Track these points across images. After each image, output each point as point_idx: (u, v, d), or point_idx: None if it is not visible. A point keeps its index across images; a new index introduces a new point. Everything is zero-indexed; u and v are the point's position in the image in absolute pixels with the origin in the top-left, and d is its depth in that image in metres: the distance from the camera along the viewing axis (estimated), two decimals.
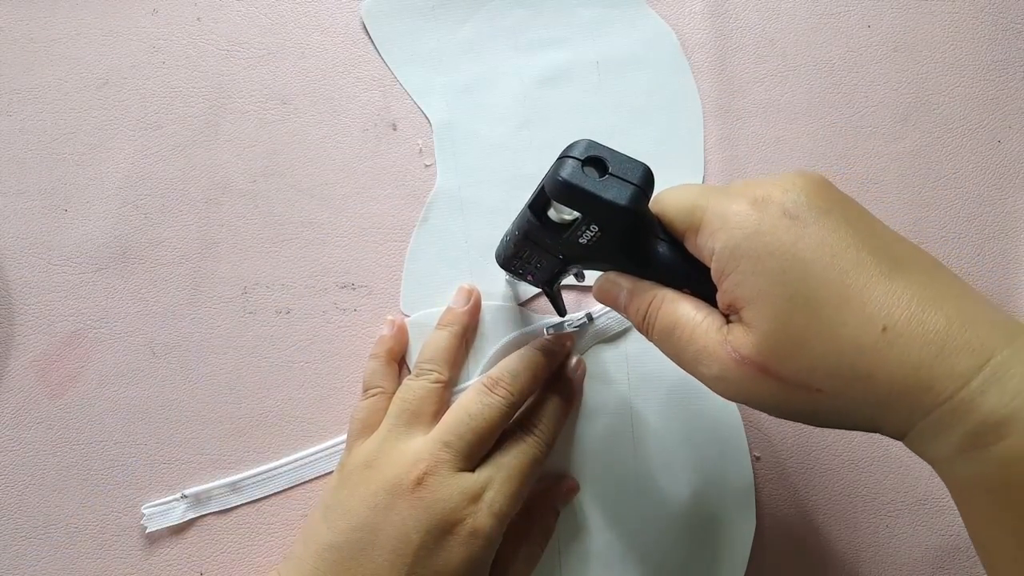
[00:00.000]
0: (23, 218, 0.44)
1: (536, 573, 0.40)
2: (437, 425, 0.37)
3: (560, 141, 0.45)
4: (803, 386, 0.26)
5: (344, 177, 0.45)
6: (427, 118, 0.45)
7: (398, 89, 0.46)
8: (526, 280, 0.38)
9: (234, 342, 0.43)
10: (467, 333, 0.42)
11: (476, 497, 0.35)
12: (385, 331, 0.42)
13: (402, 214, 0.44)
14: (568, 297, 0.43)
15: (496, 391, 0.37)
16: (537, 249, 0.34)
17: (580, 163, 0.29)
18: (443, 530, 0.34)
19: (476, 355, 0.42)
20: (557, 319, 0.42)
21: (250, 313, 0.43)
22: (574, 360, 0.41)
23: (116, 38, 0.46)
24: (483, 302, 0.43)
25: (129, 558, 0.41)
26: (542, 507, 0.39)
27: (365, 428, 0.38)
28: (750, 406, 0.28)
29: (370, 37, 0.46)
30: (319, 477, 0.42)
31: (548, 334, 0.41)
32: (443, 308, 0.42)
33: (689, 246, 0.30)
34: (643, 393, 0.42)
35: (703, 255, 0.29)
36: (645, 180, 0.29)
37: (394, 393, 0.39)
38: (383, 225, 0.44)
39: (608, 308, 0.42)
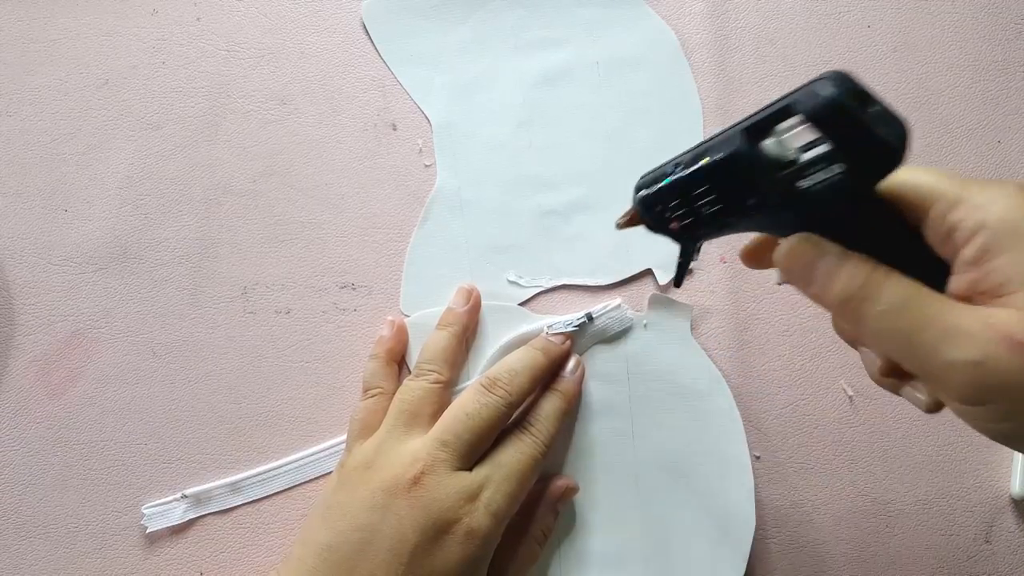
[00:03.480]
0: (23, 218, 0.44)
1: (535, 573, 0.40)
2: (435, 425, 0.37)
3: (560, 141, 0.45)
4: None
5: (344, 177, 0.45)
6: (427, 118, 0.45)
7: (398, 89, 0.46)
8: (666, 228, 0.31)
9: (234, 342, 0.43)
10: (467, 333, 0.41)
11: (473, 496, 0.35)
12: (385, 331, 0.42)
13: (402, 214, 0.44)
14: (569, 297, 0.43)
15: (494, 391, 0.37)
16: (719, 187, 0.28)
17: (845, 90, 0.24)
18: (439, 530, 0.34)
19: (476, 355, 0.42)
20: (556, 318, 0.42)
21: (250, 313, 0.43)
22: (573, 361, 0.41)
23: (116, 38, 0.46)
24: (483, 302, 0.43)
25: (129, 558, 0.41)
26: (541, 507, 0.39)
27: (365, 429, 0.38)
28: (998, 403, 0.24)
29: (370, 37, 0.46)
30: (319, 477, 0.42)
31: (547, 334, 0.41)
32: (443, 308, 0.42)
33: (932, 219, 0.26)
34: (643, 393, 0.42)
35: (956, 232, 0.25)
36: (905, 133, 0.24)
37: (394, 393, 0.39)
38: (383, 225, 0.44)
39: (607, 308, 0.42)
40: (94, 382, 0.42)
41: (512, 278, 0.43)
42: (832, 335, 0.43)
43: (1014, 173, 0.45)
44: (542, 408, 0.39)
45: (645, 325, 0.42)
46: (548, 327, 0.41)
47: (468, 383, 0.41)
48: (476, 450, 0.36)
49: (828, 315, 0.43)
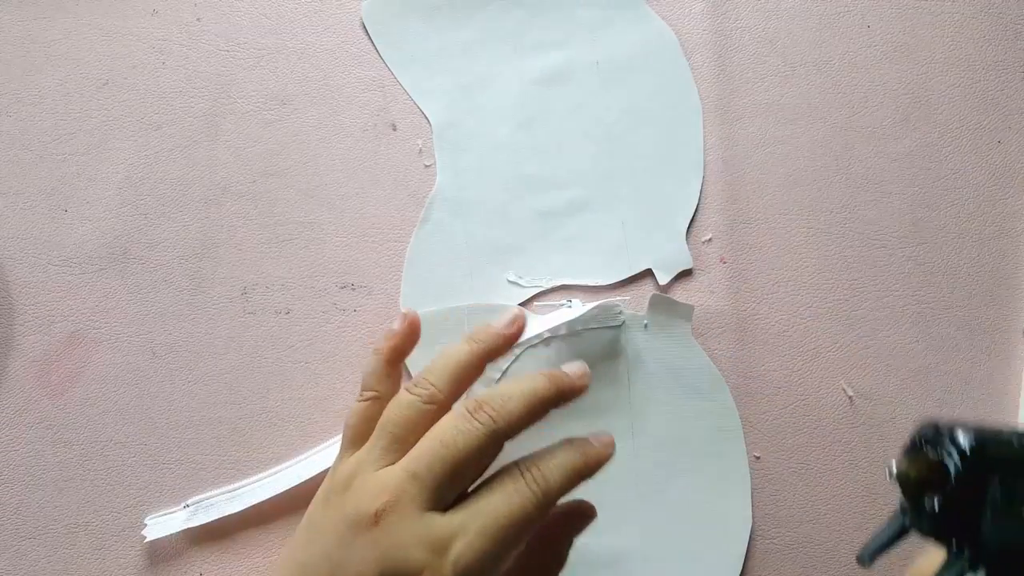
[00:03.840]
0: (23, 218, 0.44)
1: None
2: (409, 452, 0.31)
3: (560, 141, 0.45)
4: None
5: (344, 177, 0.45)
6: (427, 118, 0.45)
7: (398, 89, 0.46)
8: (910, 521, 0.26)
9: (234, 342, 0.43)
10: (491, 358, 0.34)
11: (440, 548, 0.29)
12: (395, 325, 0.35)
13: (402, 214, 0.44)
14: (569, 297, 0.43)
15: (477, 415, 0.31)
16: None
17: None
18: None
19: None
20: (555, 317, 0.42)
21: (250, 313, 0.43)
22: (608, 436, 0.34)
23: (116, 38, 0.46)
24: (483, 302, 0.43)
25: (129, 558, 0.41)
26: (555, 535, 0.34)
27: (357, 437, 0.34)
28: None
29: (370, 37, 0.46)
30: (319, 474, 0.41)
31: (536, 306, 0.41)
32: (443, 308, 0.42)
33: None
34: (643, 393, 0.42)
35: None
36: None
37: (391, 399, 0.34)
38: (383, 225, 0.44)
39: (599, 303, 0.42)
40: (94, 382, 0.42)
41: (512, 278, 0.43)
42: (832, 335, 0.43)
43: (1014, 173, 0.45)
44: (554, 456, 0.31)
45: (645, 325, 0.42)
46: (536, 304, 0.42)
47: None
48: (452, 487, 0.30)
49: (827, 315, 0.43)
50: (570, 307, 0.42)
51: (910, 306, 0.43)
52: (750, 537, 0.41)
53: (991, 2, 0.47)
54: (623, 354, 0.42)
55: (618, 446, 0.41)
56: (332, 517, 0.31)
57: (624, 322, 0.42)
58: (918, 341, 0.43)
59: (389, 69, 0.46)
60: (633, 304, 0.43)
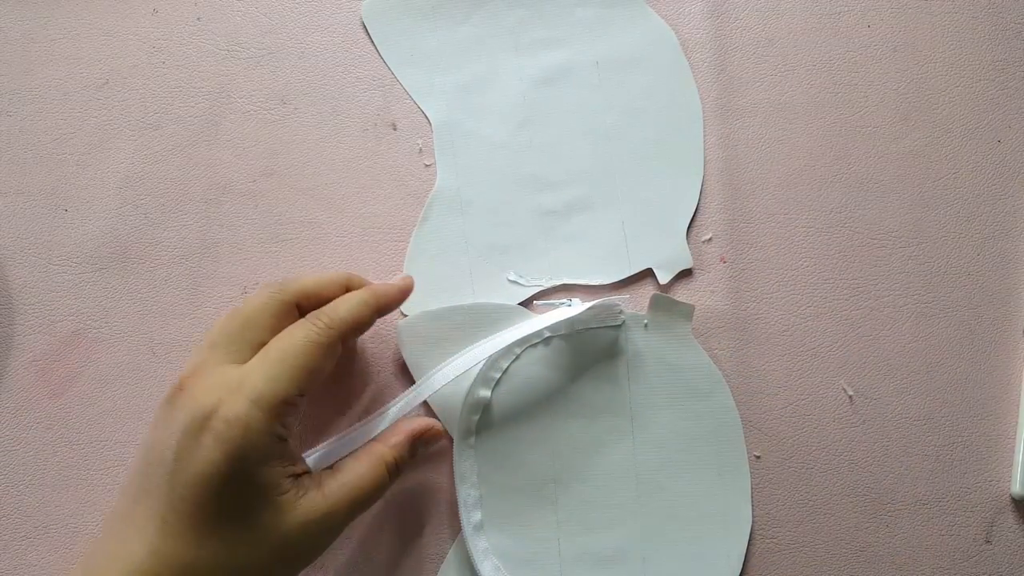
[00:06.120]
0: (23, 218, 0.44)
1: (536, 571, 0.40)
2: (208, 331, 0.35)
3: (560, 141, 0.45)
4: None
5: (344, 177, 0.45)
6: (427, 118, 0.45)
7: (398, 89, 0.46)
8: None
9: None
10: (384, 312, 0.38)
11: (236, 387, 0.32)
12: (394, 280, 0.40)
13: (402, 214, 0.44)
14: (569, 296, 0.43)
15: (316, 321, 0.34)
16: None
17: None
18: (199, 427, 0.31)
19: (474, 356, 0.42)
20: (555, 316, 0.42)
21: None
22: (402, 277, 0.40)
23: (116, 38, 0.46)
24: (483, 301, 0.43)
25: None
26: (395, 432, 0.37)
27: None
28: None
29: (370, 37, 0.46)
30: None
31: (537, 305, 0.41)
32: (443, 308, 0.42)
33: None
34: (643, 393, 0.42)
35: None
36: None
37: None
38: (383, 225, 0.44)
39: (599, 301, 0.42)
40: (94, 382, 0.42)
41: (512, 278, 0.43)
42: (832, 335, 0.43)
43: (1014, 173, 0.45)
44: (342, 299, 0.36)
45: (646, 325, 0.42)
46: (540, 305, 0.42)
47: (470, 380, 0.41)
48: (247, 342, 0.34)
49: (827, 315, 0.43)
50: (570, 306, 0.42)
51: (910, 306, 0.44)
52: (750, 537, 0.41)
53: (991, 2, 0.47)
54: (623, 354, 0.42)
55: (618, 446, 0.42)
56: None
57: (624, 322, 0.42)
58: (918, 341, 0.43)
59: (389, 69, 0.46)
60: (633, 304, 0.43)
